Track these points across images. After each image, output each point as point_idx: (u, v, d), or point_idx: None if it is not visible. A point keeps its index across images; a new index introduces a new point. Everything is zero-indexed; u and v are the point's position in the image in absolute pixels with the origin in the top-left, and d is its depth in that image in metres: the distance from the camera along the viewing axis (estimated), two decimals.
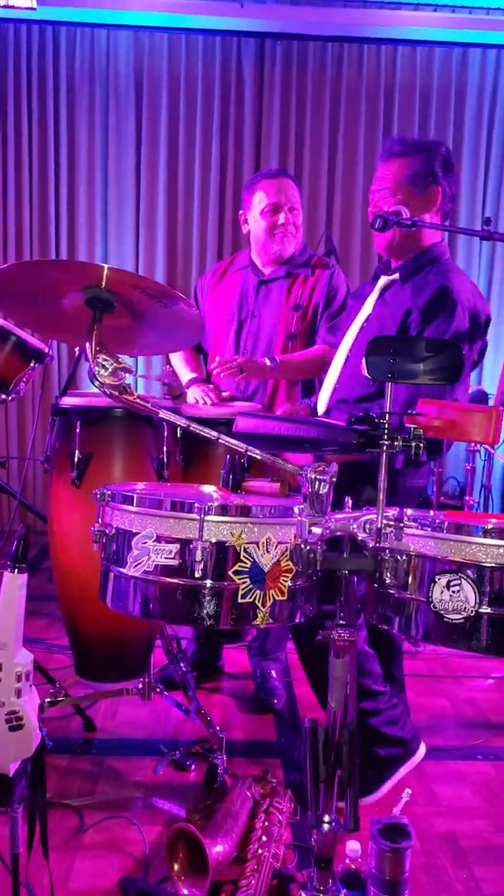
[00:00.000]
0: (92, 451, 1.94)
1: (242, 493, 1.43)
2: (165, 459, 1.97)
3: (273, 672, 2.64)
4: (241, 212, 2.58)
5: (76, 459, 1.93)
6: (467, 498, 3.77)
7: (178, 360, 2.59)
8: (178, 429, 2.14)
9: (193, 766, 2.18)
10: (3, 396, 2.18)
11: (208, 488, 1.50)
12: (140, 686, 2.29)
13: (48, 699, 2.23)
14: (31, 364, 2.16)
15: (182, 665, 2.27)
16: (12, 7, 4.01)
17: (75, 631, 2.11)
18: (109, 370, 1.12)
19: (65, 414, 2.03)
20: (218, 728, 2.14)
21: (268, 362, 2.30)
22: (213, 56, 4.65)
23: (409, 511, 1.35)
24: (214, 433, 1.20)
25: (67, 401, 2.05)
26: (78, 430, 1.93)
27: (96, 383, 1.15)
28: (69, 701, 2.28)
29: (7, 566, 1.32)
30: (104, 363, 1.12)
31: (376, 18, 4.45)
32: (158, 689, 2.29)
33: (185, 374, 2.55)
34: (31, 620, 3.19)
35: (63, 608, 2.12)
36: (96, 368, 1.13)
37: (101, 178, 4.73)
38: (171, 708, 2.34)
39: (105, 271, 1.16)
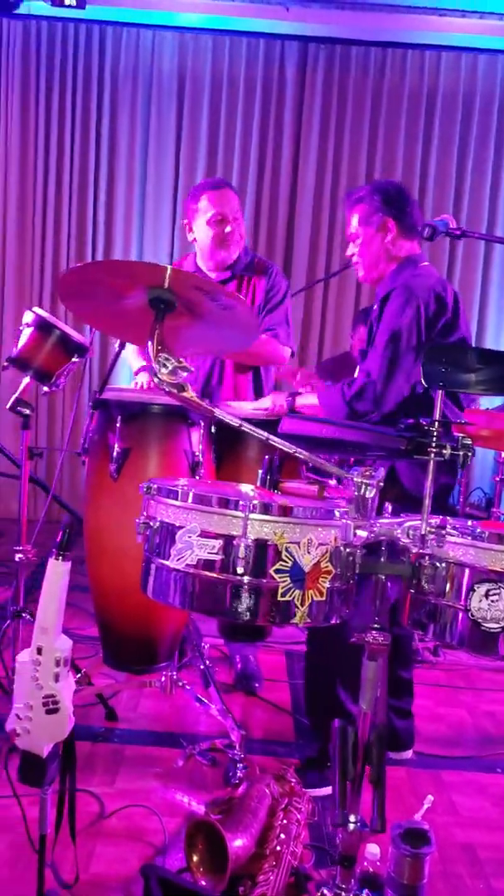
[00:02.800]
0: (130, 445, 1.97)
1: (279, 493, 1.45)
2: (200, 458, 1.99)
3: (251, 657, 2.76)
4: (184, 221, 2.71)
5: (115, 453, 1.96)
6: (495, 510, 3.76)
7: (130, 351, 2.71)
8: (213, 427, 2.17)
9: (213, 762, 2.20)
10: (45, 388, 2.22)
11: (246, 487, 1.53)
12: (163, 679, 2.32)
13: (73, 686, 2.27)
14: (73, 358, 2.20)
15: (205, 661, 2.30)
16: (60, 6, 4.06)
17: (106, 620, 2.14)
18: (170, 368, 1.15)
19: (105, 407, 2.06)
20: (238, 725, 2.16)
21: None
22: (257, 58, 4.68)
23: (450, 519, 1.37)
24: (264, 433, 1.22)
25: (108, 395, 2.08)
26: (118, 425, 1.97)
27: (156, 380, 1.18)
28: (92, 690, 2.32)
29: (52, 554, 1.35)
30: (165, 362, 1.15)
31: (422, 24, 4.45)
32: (181, 684, 2.32)
33: (135, 362, 2.68)
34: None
35: (95, 598, 2.16)
36: (157, 366, 1.16)
37: (139, 178, 4.78)
38: (192, 702, 2.36)
39: (168, 272, 1.18)
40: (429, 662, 3.07)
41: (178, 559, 1.21)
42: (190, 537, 1.20)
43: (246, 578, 1.19)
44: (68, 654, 1.40)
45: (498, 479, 3.75)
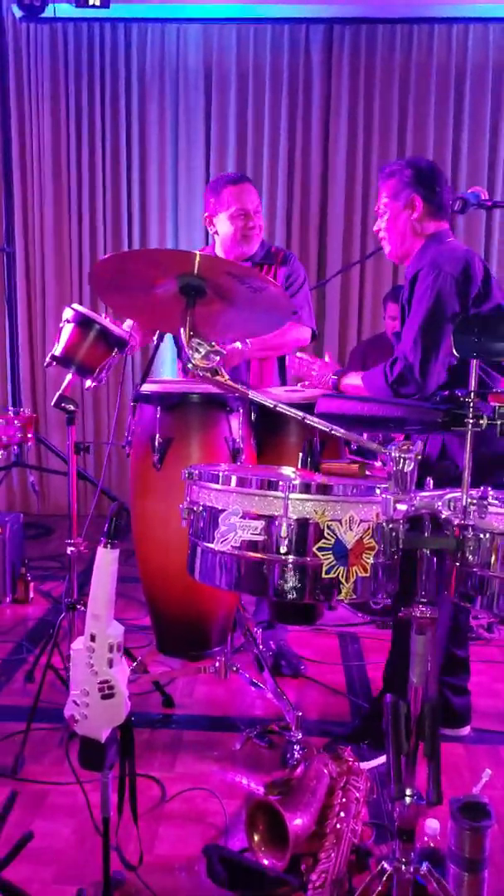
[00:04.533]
0: (171, 435, 2.01)
1: (321, 473, 1.46)
2: (241, 445, 2.01)
3: (284, 640, 2.79)
4: (205, 214, 2.73)
5: (157, 443, 2.00)
6: None
7: None
8: (253, 415, 2.19)
9: (270, 744, 2.23)
10: (88, 383, 2.27)
11: (287, 470, 1.54)
12: (217, 665, 2.36)
13: (129, 675, 2.33)
14: (114, 352, 2.25)
15: (258, 646, 2.32)
16: (86, 6, 4.11)
17: (157, 608, 2.19)
18: (203, 353, 1.17)
19: (146, 400, 2.10)
20: (294, 706, 2.19)
21: (238, 345, 2.48)
22: (282, 44, 4.65)
23: (492, 490, 1.36)
24: (300, 413, 1.23)
25: (147, 387, 2.12)
26: (158, 416, 2.00)
27: (190, 366, 1.20)
28: (149, 678, 2.38)
29: (101, 542, 1.39)
30: (198, 347, 1.17)
31: None
32: (235, 668, 2.35)
33: None
34: None
35: (145, 586, 2.21)
36: (190, 352, 1.18)
37: (171, 171, 4.81)
38: (247, 686, 2.40)
39: (198, 258, 1.20)
40: (483, 639, 3.04)
41: (223, 541, 1.24)
42: (233, 519, 1.22)
43: (290, 557, 1.20)
44: (121, 640, 1.44)
45: None
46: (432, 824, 1.70)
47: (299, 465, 1.49)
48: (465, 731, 2.32)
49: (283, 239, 4.75)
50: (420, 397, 1.90)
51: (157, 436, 2.01)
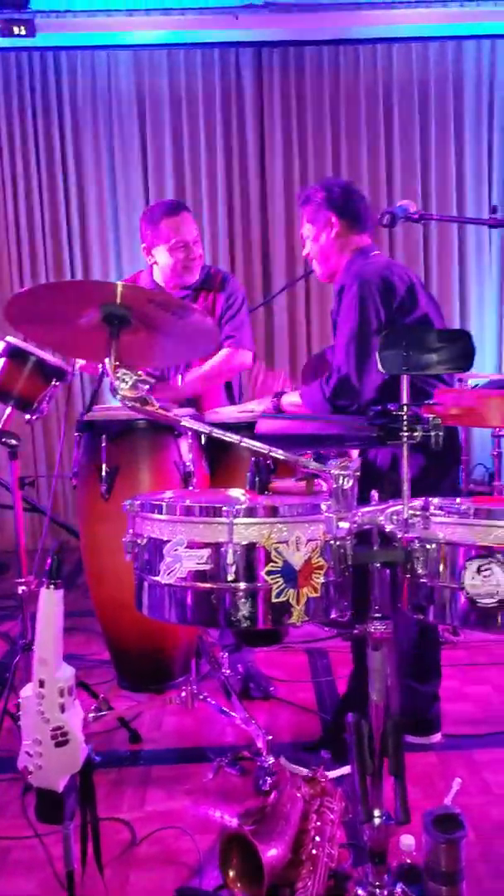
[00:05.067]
0: (118, 463, 1.98)
1: (270, 494, 1.44)
2: (191, 468, 1.99)
3: (252, 661, 2.76)
4: (142, 245, 2.72)
5: (104, 473, 1.96)
6: (497, 483, 3.74)
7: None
8: (203, 437, 2.17)
9: (242, 771, 2.19)
10: (28, 416, 2.22)
11: (236, 492, 1.52)
12: (183, 695, 2.30)
13: (92, 714, 2.26)
14: (53, 382, 2.20)
15: (224, 671, 2.28)
16: (11, 36, 4.09)
17: (115, 642, 2.14)
18: (130, 383, 1.15)
19: (90, 429, 2.07)
20: (264, 731, 2.15)
21: (180, 383, 2.51)
22: (213, 68, 4.70)
23: (434, 500, 1.36)
24: (237, 437, 1.21)
25: (92, 416, 2.08)
26: (104, 444, 1.97)
27: (118, 397, 1.18)
28: (113, 714, 2.31)
29: (43, 583, 1.35)
30: (124, 377, 1.15)
31: (369, 19, 4.48)
32: (202, 697, 2.31)
33: None
34: (71, 637, 3.23)
35: (101, 621, 2.15)
36: (117, 383, 1.16)
37: (110, 198, 4.80)
38: (217, 713, 2.35)
39: (119, 288, 1.18)
40: (450, 642, 3.04)
41: (169, 573, 1.21)
42: (177, 550, 1.19)
43: (238, 584, 1.18)
44: (72, 683, 1.40)
45: (495, 453, 3.74)
46: (407, 840, 1.68)
47: (247, 487, 1.47)
48: (437, 737, 2.31)
49: (227, 260, 4.77)
50: (357, 408, 1.91)
51: (104, 465, 1.97)
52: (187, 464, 2.00)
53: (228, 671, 2.58)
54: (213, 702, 2.32)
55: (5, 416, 2.20)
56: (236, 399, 2.74)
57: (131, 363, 1.17)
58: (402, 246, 4.76)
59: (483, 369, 4.62)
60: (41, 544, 2.63)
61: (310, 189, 2.31)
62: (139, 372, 1.17)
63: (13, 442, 2.18)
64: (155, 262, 2.69)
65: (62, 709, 1.38)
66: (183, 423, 1.22)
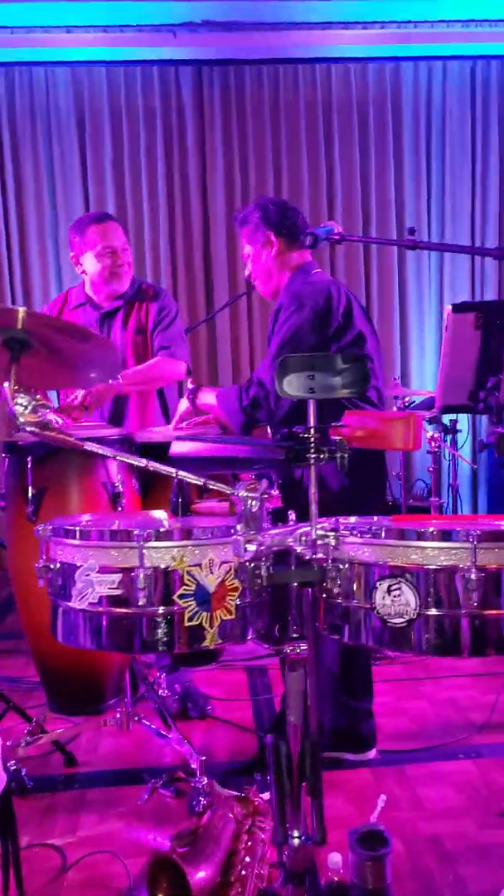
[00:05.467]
0: (45, 485, 1.95)
1: (192, 514, 1.45)
2: (120, 488, 1.98)
3: (190, 680, 2.76)
4: (71, 254, 2.75)
5: (30, 495, 1.94)
6: (433, 499, 3.81)
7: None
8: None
9: (177, 793, 2.17)
10: None
11: (159, 514, 1.52)
12: (118, 716, 2.28)
13: (26, 738, 2.22)
14: None
15: (158, 691, 2.27)
16: None
17: (44, 665, 2.11)
18: (29, 408, 1.14)
19: (16, 450, 2.04)
20: (197, 751, 2.14)
21: (110, 381, 2.48)
22: (153, 86, 4.71)
23: (352, 519, 1.38)
24: (143, 461, 1.21)
25: (17, 437, 2.05)
26: (30, 466, 1.94)
27: (20, 422, 1.17)
28: (49, 738, 2.27)
29: None
30: (22, 402, 1.14)
31: (307, 38, 4.53)
32: (137, 718, 2.28)
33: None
34: (10, 659, 3.17)
35: (30, 643, 2.12)
36: (16, 408, 1.15)
37: (50, 215, 4.76)
38: (153, 735, 2.33)
39: (21, 314, 1.18)
40: (387, 658, 3.08)
41: (81, 598, 1.19)
42: (89, 575, 1.19)
43: (150, 609, 1.17)
44: None
45: (431, 468, 3.81)
46: (334, 858, 1.69)
47: (169, 508, 1.47)
48: (371, 754, 2.33)
49: (168, 278, 4.77)
50: (270, 422, 1.92)
51: (30, 487, 1.94)
52: (116, 484, 1.99)
53: (166, 692, 2.56)
54: (149, 723, 2.31)
55: None
56: (171, 416, 2.74)
57: (34, 386, 1.16)
58: (343, 265, 4.84)
59: (425, 387, 4.71)
60: None
61: (246, 210, 2.33)
62: (38, 396, 1.16)
63: None
64: (84, 272, 2.70)
65: None
66: (85, 447, 1.22)
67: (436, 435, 3.71)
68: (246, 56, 4.68)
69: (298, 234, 2.19)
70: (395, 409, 3.84)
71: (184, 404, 2.25)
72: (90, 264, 2.65)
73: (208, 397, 2.16)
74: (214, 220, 4.79)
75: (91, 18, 4.33)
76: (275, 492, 2.79)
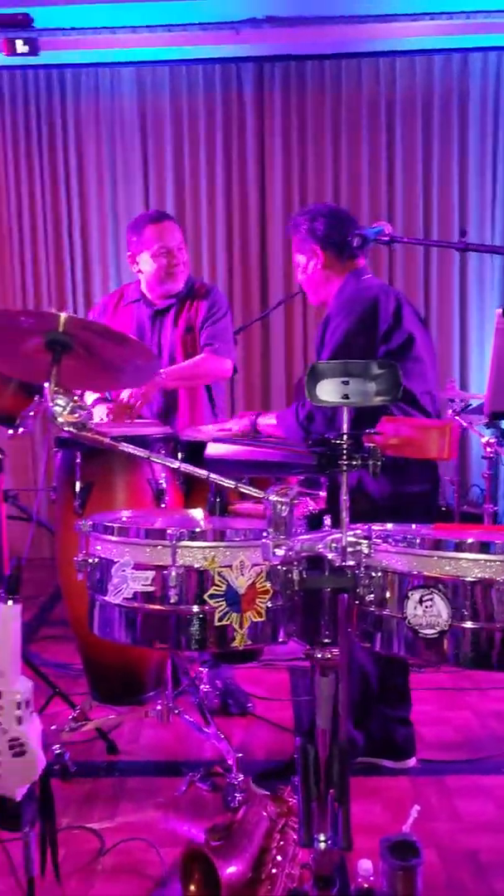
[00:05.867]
0: (93, 480, 2.00)
1: (230, 515, 1.46)
2: (164, 486, 2.01)
3: (231, 677, 2.77)
4: (128, 253, 2.78)
5: (78, 489, 1.99)
6: (487, 506, 3.72)
7: None
8: (180, 454, 2.18)
9: (213, 787, 2.19)
10: (11, 431, 2.25)
11: (197, 513, 1.54)
12: (159, 708, 2.32)
13: (70, 724, 2.28)
14: (36, 398, 2.23)
15: (199, 686, 2.30)
16: (15, 54, 4.17)
17: (88, 655, 2.16)
18: (68, 409, 1.17)
19: (66, 445, 2.09)
20: (235, 748, 2.16)
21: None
22: (214, 84, 4.75)
23: (389, 526, 1.37)
24: (176, 462, 1.23)
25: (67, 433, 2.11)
26: (78, 461, 1.99)
27: (57, 422, 1.20)
28: (91, 725, 2.33)
29: (0, 597, 1.37)
30: (61, 402, 1.17)
31: (372, 32, 4.48)
32: (177, 711, 2.32)
33: (89, 395, 2.73)
34: (59, 646, 3.26)
35: (75, 633, 2.18)
36: (55, 408, 1.18)
37: (111, 213, 4.86)
38: (194, 729, 2.36)
39: (63, 318, 1.21)
40: (434, 667, 3.03)
41: (116, 593, 1.22)
42: (124, 570, 1.21)
43: (182, 607, 1.19)
44: (29, 696, 1.42)
45: (487, 474, 3.72)
46: (365, 865, 1.67)
47: (207, 508, 1.49)
48: (411, 762, 2.30)
49: (225, 276, 4.80)
50: (334, 434, 1.90)
51: (78, 481, 2.00)
52: (160, 482, 2.02)
53: (207, 687, 2.59)
54: (188, 717, 2.34)
55: None
56: (218, 413, 2.76)
57: (73, 387, 1.20)
58: (402, 267, 4.76)
59: (484, 391, 4.59)
60: (25, 555, 2.66)
61: (297, 217, 2.31)
62: (76, 397, 1.19)
63: None
64: (140, 271, 2.73)
65: (19, 721, 1.40)
66: (121, 447, 1.24)
67: (491, 440, 3.61)
68: (308, 51, 4.66)
69: (346, 244, 2.15)
70: (450, 412, 3.76)
71: (238, 424, 2.26)
72: (146, 264, 2.68)
73: (268, 419, 2.16)
74: (272, 219, 4.79)
75: (156, 18, 4.39)
76: (322, 493, 2.80)
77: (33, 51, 4.19)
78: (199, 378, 2.71)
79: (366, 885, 1.68)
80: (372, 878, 1.68)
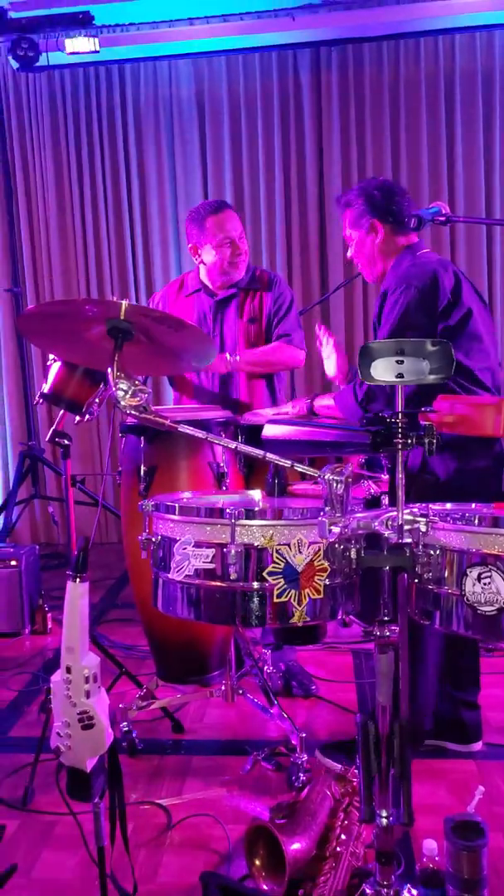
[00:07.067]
0: (156, 463, 2.06)
1: (289, 496, 1.48)
2: (225, 469, 2.05)
3: (294, 660, 2.79)
4: (189, 245, 2.78)
5: (142, 472, 2.05)
6: None
7: None
8: (241, 437, 2.22)
9: (278, 766, 2.23)
10: (78, 419, 2.33)
11: (255, 494, 1.56)
12: (223, 688, 2.37)
13: (137, 702, 2.35)
14: (101, 386, 2.30)
15: (262, 667, 2.33)
16: (77, 52, 4.26)
17: (153, 635, 2.22)
18: (129, 393, 1.21)
19: (130, 430, 2.16)
20: (299, 729, 2.18)
21: (228, 356, 2.58)
22: (271, 71, 4.74)
23: (448, 505, 1.36)
24: (233, 444, 1.26)
25: (132, 418, 2.17)
26: (143, 445, 2.05)
27: (119, 406, 1.25)
28: (157, 704, 2.40)
29: (69, 576, 1.43)
30: (123, 387, 1.21)
31: (430, 10, 4.38)
32: (241, 692, 2.36)
33: None
34: (127, 627, 3.36)
35: (141, 614, 2.24)
36: (117, 392, 1.23)
37: (171, 202, 4.92)
38: (258, 709, 2.40)
39: (124, 305, 1.25)
40: (501, 650, 2.98)
41: (178, 571, 1.26)
42: (186, 548, 1.25)
43: (241, 584, 1.22)
44: (96, 671, 1.46)
45: None
46: (430, 845, 1.68)
47: (265, 489, 1.51)
48: (477, 746, 2.28)
49: (284, 262, 4.80)
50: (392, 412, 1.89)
51: (142, 465, 2.05)
52: (221, 464, 2.06)
53: (271, 668, 2.62)
54: (252, 697, 2.38)
55: (59, 419, 2.31)
56: (278, 401, 2.78)
57: (134, 372, 1.23)
58: (464, 246, 4.66)
59: None
60: (91, 537, 2.74)
61: (349, 194, 2.29)
62: (137, 381, 1.23)
63: (66, 442, 2.30)
64: (202, 262, 2.76)
65: (87, 695, 1.45)
66: (180, 429, 1.28)
67: None
68: (365, 34, 4.59)
69: (404, 218, 2.13)
70: None
71: (287, 407, 2.27)
72: (209, 255, 2.70)
73: (325, 401, 2.16)
74: (330, 203, 4.76)
75: (211, 9, 4.41)
76: (385, 476, 2.79)
77: (95, 48, 4.26)
78: (273, 365, 2.73)
79: (431, 866, 1.68)
80: (437, 859, 1.68)
